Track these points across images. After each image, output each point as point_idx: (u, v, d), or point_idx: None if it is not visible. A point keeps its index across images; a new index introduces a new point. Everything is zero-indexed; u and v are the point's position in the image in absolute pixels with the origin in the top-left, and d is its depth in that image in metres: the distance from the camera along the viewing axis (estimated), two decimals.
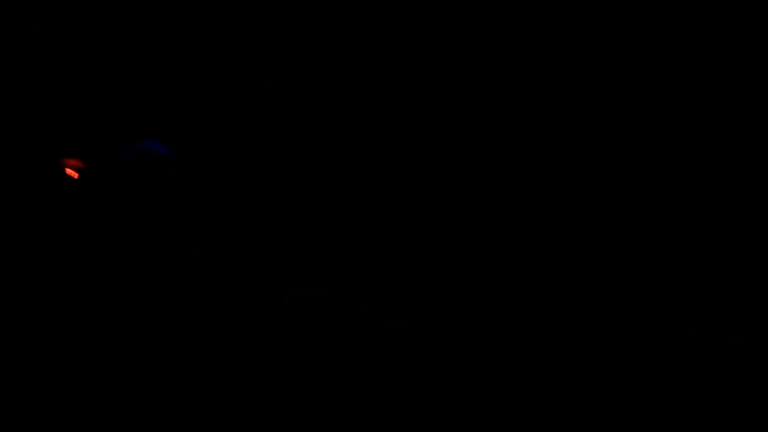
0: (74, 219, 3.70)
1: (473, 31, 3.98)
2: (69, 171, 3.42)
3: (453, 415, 3.31)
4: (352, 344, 3.47)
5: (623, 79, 3.91)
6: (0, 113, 3.88)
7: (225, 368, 3.40)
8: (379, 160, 3.91)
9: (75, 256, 3.63)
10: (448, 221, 3.79)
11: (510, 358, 3.45)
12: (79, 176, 3.58)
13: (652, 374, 3.40)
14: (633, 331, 3.52)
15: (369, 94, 3.98)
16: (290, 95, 4.00)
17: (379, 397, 3.33)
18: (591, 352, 3.47)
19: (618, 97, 3.90)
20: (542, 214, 3.78)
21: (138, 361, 3.39)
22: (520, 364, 3.43)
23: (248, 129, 3.96)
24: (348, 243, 3.74)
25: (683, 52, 3.90)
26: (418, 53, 4.00)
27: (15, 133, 3.86)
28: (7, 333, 3.43)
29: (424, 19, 4.00)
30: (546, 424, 3.29)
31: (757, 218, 3.72)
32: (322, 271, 3.67)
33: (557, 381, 3.39)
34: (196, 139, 3.92)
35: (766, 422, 3.27)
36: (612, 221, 3.75)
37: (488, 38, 3.97)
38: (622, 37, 3.92)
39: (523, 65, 3.95)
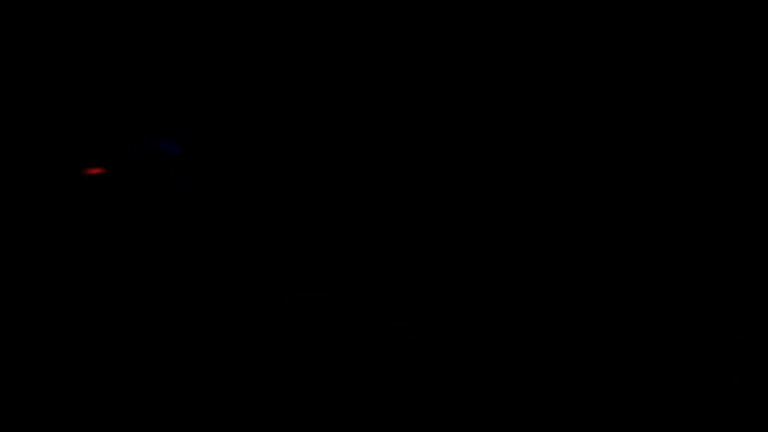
0: (74, 218, 3.70)
1: (473, 32, 3.98)
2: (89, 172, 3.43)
3: (453, 414, 3.30)
4: (352, 344, 3.47)
5: (623, 80, 3.91)
6: (2, 113, 3.88)
7: (225, 368, 3.40)
8: (379, 160, 3.91)
9: (75, 255, 3.63)
10: (447, 221, 3.79)
11: (510, 358, 3.45)
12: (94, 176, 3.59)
13: (652, 374, 3.40)
14: (633, 331, 3.52)
15: (369, 94, 3.98)
16: (290, 96, 4.00)
17: (379, 397, 3.33)
18: (591, 352, 3.47)
19: (618, 97, 3.91)
20: (542, 214, 3.78)
21: (138, 361, 3.39)
22: (520, 364, 3.43)
23: (248, 129, 3.96)
24: (348, 243, 3.74)
25: (683, 52, 3.90)
26: (418, 53, 4.00)
27: (16, 133, 3.86)
28: (7, 333, 3.43)
29: (424, 19, 4.00)
30: (546, 424, 3.29)
31: (757, 218, 3.72)
32: (322, 271, 3.67)
33: (557, 381, 3.39)
34: (195, 139, 3.92)
35: (766, 422, 3.27)
36: (612, 221, 3.75)
37: (488, 38, 3.97)
38: (622, 37, 3.92)
39: (523, 65, 3.95)
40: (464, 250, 3.73)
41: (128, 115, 3.95)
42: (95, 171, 3.52)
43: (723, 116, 3.85)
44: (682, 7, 3.88)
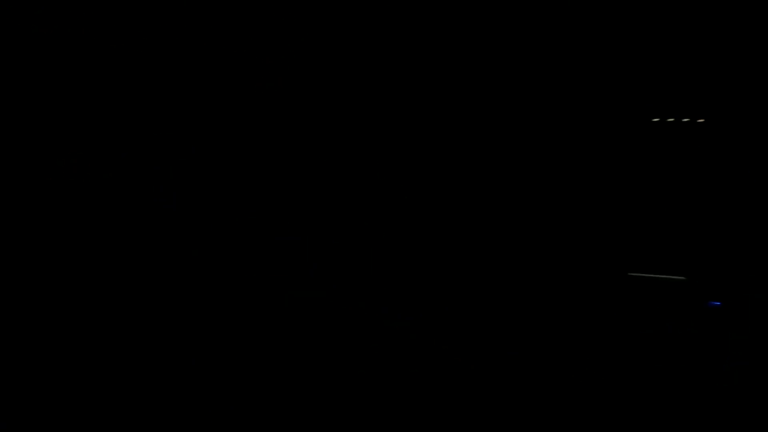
0: (74, 218, 3.71)
1: (473, 32, 3.99)
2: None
3: (453, 414, 3.31)
4: (352, 344, 3.47)
5: (622, 80, 3.92)
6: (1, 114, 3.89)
7: (225, 368, 3.40)
8: (378, 161, 3.91)
9: (75, 255, 3.63)
10: (447, 222, 3.79)
11: (510, 358, 3.45)
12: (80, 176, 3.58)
13: (653, 374, 3.41)
14: (633, 331, 3.52)
15: (369, 95, 3.99)
16: (291, 96, 4.00)
17: (379, 397, 3.33)
18: (591, 352, 3.47)
19: (617, 98, 3.91)
20: (541, 214, 3.79)
21: (138, 361, 3.39)
22: (520, 364, 3.43)
23: (249, 129, 3.96)
24: (348, 243, 3.75)
25: (682, 53, 3.90)
26: (418, 54, 4.00)
27: (15, 133, 3.87)
28: (7, 333, 3.43)
29: (424, 19, 4.00)
30: (546, 424, 3.29)
31: (757, 218, 3.72)
32: (322, 271, 3.68)
33: (557, 381, 3.39)
34: (196, 138, 3.93)
35: (767, 422, 3.27)
36: (611, 221, 3.76)
37: (488, 38, 3.98)
38: (622, 37, 3.92)
39: (523, 65, 3.96)
40: (464, 251, 3.73)
41: (127, 113, 3.95)
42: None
43: (720, 117, 3.86)
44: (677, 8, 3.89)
